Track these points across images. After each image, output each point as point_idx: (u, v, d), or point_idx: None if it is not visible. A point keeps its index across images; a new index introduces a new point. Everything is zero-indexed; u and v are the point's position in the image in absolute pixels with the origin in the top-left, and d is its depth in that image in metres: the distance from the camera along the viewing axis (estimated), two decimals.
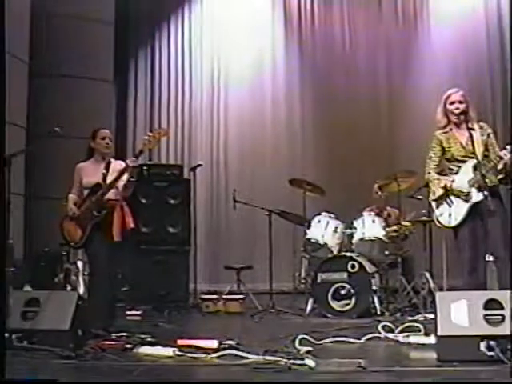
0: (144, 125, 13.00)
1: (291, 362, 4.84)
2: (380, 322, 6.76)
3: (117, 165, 6.86)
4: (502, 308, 4.92)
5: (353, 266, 8.27)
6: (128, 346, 5.71)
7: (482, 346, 4.78)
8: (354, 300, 8.17)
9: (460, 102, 6.32)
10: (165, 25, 13.28)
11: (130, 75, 13.24)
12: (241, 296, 9.32)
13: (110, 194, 6.75)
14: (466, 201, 6.17)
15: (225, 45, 13.20)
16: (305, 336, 5.90)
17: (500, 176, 6.20)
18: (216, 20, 13.23)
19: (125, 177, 6.70)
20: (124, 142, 12.71)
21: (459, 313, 4.96)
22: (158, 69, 13.25)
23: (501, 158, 6.05)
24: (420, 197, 8.94)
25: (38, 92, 9.87)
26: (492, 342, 4.76)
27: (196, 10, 13.30)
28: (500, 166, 6.10)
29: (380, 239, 8.69)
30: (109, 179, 6.74)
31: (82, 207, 6.82)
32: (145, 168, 9.98)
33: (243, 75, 13.16)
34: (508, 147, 6.02)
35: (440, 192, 6.30)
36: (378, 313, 8.19)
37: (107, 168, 6.84)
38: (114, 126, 11.26)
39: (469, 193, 6.15)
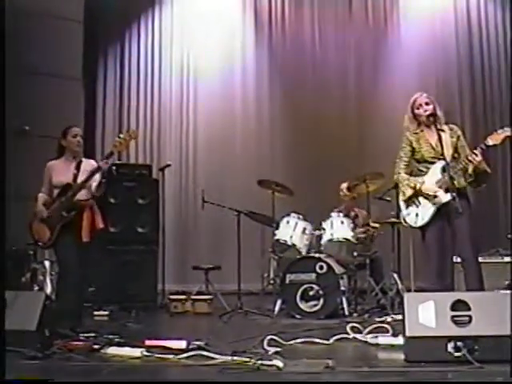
0: (113, 123, 12.94)
1: (260, 362, 4.85)
2: (348, 322, 6.78)
3: (88, 164, 6.81)
4: (469, 309, 4.96)
5: (321, 267, 8.28)
6: (96, 346, 5.68)
7: (450, 346, 4.83)
8: (322, 301, 8.19)
9: (427, 104, 6.36)
10: (135, 23, 13.21)
11: (99, 73, 13.16)
12: (209, 296, 9.30)
13: (81, 195, 6.70)
14: (434, 204, 6.21)
15: (195, 44, 13.17)
16: (273, 337, 5.90)
17: (470, 179, 6.25)
18: (186, 19, 13.20)
19: (97, 177, 6.66)
20: (92, 140, 12.62)
21: (427, 314, 4.99)
22: (127, 67, 13.18)
23: (470, 162, 6.09)
24: (388, 198, 8.99)
25: (6, 90, 9.76)
26: (459, 343, 4.80)
27: (166, 8, 13.26)
28: (470, 170, 6.15)
29: (348, 240, 8.70)
30: (79, 179, 6.69)
31: (52, 207, 6.77)
32: (113, 168, 9.94)
33: (213, 75, 13.14)
34: (476, 151, 6.07)
35: (409, 192, 6.33)
36: (347, 313, 8.21)
37: (78, 167, 6.79)
38: (82, 125, 11.17)
39: (436, 196, 6.19)
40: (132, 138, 6.99)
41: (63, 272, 6.80)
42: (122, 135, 6.94)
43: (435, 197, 6.19)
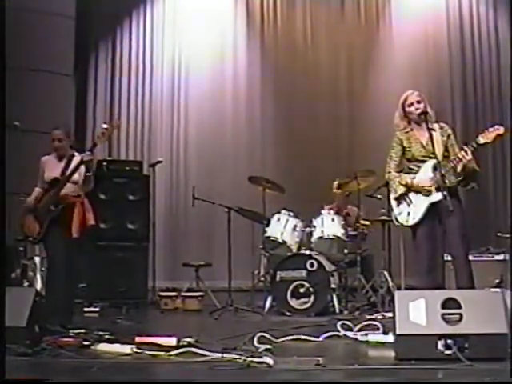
0: (104, 119, 12.82)
1: (250, 359, 4.86)
2: (339, 320, 6.76)
3: (79, 158, 6.82)
4: (460, 307, 4.97)
5: (312, 265, 8.28)
6: (86, 342, 5.69)
7: (440, 344, 4.84)
8: (312, 298, 8.19)
9: (418, 102, 6.34)
10: (126, 19, 13.17)
11: (90, 69, 13.10)
12: (199, 293, 9.29)
13: (70, 189, 6.71)
14: (427, 195, 6.19)
15: (186, 42, 13.14)
16: (263, 334, 5.90)
17: (459, 178, 6.25)
18: (178, 16, 13.16)
19: (82, 171, 6.68)
20: (83, 135, 12.57)
21: (417, 312, 4.99)
22: (118, 63, 13.13)
23: (460, 160, 6.09)
24: (379, 196, 9.00)
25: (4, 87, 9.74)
26: (449, 341, 4.81)
27: (158, 5, 13.21)
28: (459, 168, 6.15)
29: (339, 238, 8.71)
30: (67, 173, 6.70)
31: (41, 202, 6.78)
32: (104, 164, 9.91)
33: (204, 72, 13.12)
34: (466, 148, 6.07)
35: (401, 189, 6.31)
36: (337, 311, 8.22)
37: (68, 162, 6.79)
38: (73, 120, 11.16)
39: (430, 190, 6.18)
40: (114, 127, 7.03)
41: (51, 267, 6.81)
42: (104, 125, 6.97)
43: (428, 191, 6.18)
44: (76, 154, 6.94)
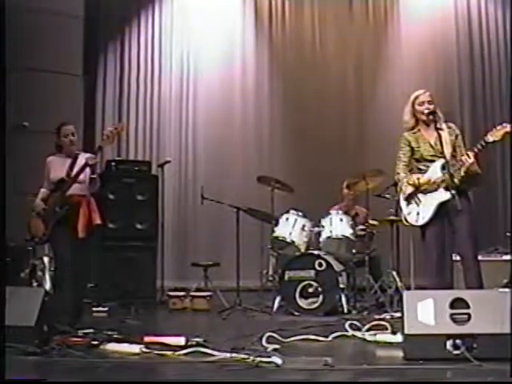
0: (113, 120, 12.85)
1: (258, 359, 4.86)
2: (347, 320, 6.76)
3: (83, 159, 6.81)
4: (468, 307, 4.97)
5: (320, 264, 8.28)
6: (94, 342, 5.69)
7: (448, 344, 4.83)
8: (321, 298, 8.19)
9: (429, 102, 6.36)
10: (135, 19, 13.17)
11: (99, 69, 13.12)
12: (208, 293, 9.28)
13: (75, 190, 6.71)
14: (435, 190, 6.19)
15: (195, 41, 13.14)
16: (272, 334, 5.90)
17: (463, 182, 6.24)
18: (186, 16, 13.16)
19: (87, 171, 6.69)
20: (92, 136, 12.57)
21: (426, 311, 4.99)
22: (127, 63, 13.14)
23: (463, 163, 6.09)
24: (388, 196, 8.98)
25: (6, 86, 9.76)
26: (458, 341, 4.80)
27: (166, 4, 13.22)
28: (462, 172, 6.14)
29: (347, 238, 8.70)
30: (73, 174, 6.71)
31: (48, 202, 6.79)
32: (113, 164, 9.93)
33: (213, 72, 13.11)
34: (469, 152, 6.07)
35: (409, 189, 6.32)
36: (345, 311, 8.21)
37: (73, 163, 6.79)
38: (82, 121, 11.16)
39: (438, 184, 6.18)
40: (118, 131, 7.02)
41: (59, 266, 6.83)
42: (109, 128, 6.99)
43: (437, 185, 6.17)
44: (81, 153, 6.95)
